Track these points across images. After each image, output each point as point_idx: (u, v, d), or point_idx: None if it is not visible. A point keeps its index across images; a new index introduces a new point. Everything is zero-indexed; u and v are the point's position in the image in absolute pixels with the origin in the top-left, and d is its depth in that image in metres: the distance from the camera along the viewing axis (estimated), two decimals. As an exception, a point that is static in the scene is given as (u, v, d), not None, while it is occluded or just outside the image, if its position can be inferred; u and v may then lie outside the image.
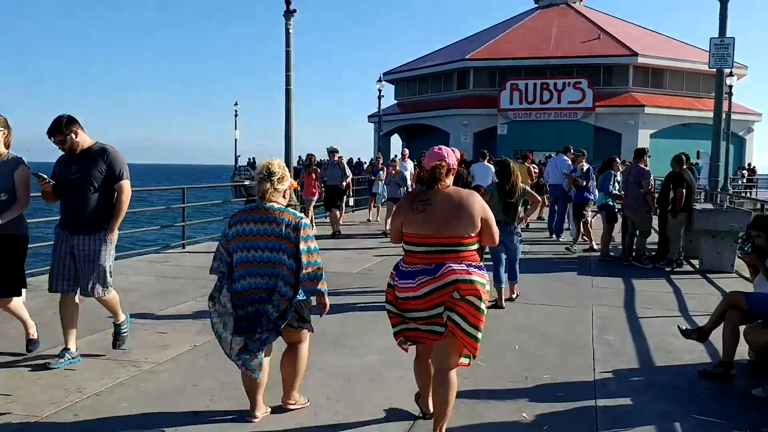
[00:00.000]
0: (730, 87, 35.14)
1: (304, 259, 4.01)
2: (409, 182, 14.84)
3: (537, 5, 53.21)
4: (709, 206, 12.08)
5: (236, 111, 55.19)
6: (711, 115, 41.71)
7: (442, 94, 47.74)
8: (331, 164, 14.89)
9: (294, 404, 4.40)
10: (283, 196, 4.17)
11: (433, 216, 3.84)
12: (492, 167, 12.47)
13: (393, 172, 14.92)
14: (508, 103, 42.53)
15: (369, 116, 51.06)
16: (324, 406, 4.55)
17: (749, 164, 41.85)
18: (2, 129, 5.24)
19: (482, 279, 3.83)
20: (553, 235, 15.00)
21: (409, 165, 16.05)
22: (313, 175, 14.62)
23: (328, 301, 4.21)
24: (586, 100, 41.40)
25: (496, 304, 7.72)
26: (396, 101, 53.14)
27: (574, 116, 41.79)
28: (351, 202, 17.68)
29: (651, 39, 48.50)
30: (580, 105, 41.59)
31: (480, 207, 3.92)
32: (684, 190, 10.66)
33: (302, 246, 4.01)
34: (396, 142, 54.83)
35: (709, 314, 7.68)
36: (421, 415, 4.38)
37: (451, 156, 4.05)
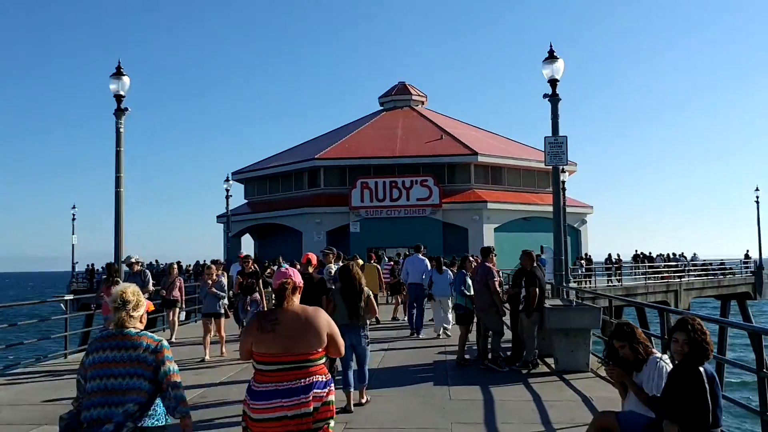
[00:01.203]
0: (563, 182, 37.41)
1: (165, 381, 3.97)
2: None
3: (382, 107, 55.10)
4: (558, 302, 11.97)
5: (74, 215, 51.58)
6: (548, 209, 44.35)
7: (293, 193, 47.32)
8: (131, 275, 12.80)
9: None
10: (140, 321, 4.17)
11: (281, 335, 4.07)
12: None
13: (209, 281, 12.72)
14: (359, 201, 42.75)
15: (218, 216, 49.42)
16: None
17: (586, 254, 44.33)
18: None
19: (329, 398, 4.17)
20: (414, 333, 15.03)
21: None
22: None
23: (190, 421, 4.05)
24: (433, 197, 42.49)
25: (344, 408, 7.61)
26: (246, 201, 52.04)
27: (422, 213, 42.66)
28: (183, 316, 15.58)
29: (489, 139, 51.40)
30: (428, 202, 42.58)
31: (326, 323, 4.23)
32: (537, 289, 10.43)
33: (162, 368, 3.97)
34: (247, 243, 53.32)
35: (572, 425, 7.20)
36: None
37: (296, 276, 4.38)
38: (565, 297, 14.04)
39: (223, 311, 12.80)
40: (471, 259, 12.35)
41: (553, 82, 15.57)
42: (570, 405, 8.12)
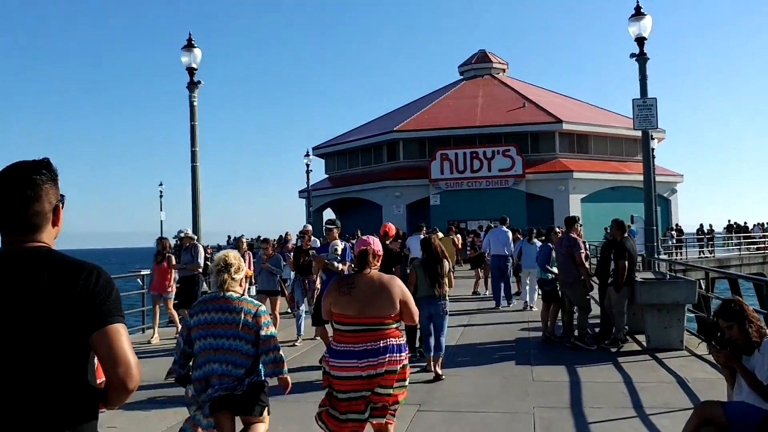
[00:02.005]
0: (652, 150, 35.59)
1: (264, 344, 4.28)
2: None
3: (462, 77, 53.94)
4: (650, 275, 11.16)
5: (161, 192, 53.23)
6: (636, 178, 42.52)
7: (373, 167, 47.12)
8: (184, 250, 11.61)
9: None
10: (240, 285, 4.48)
11: (356, 298, 4.32)
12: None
13: (264, 257, 11.65)
14: (438, 173, 42.09)
15: (300, 191, 49.92)
16: None
17: (676, 225, 42.25)
18: None
19: (404, 361, 4.34)
20: (500, 305, 14.85)
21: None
22: (165, 264, 11.57)
23: (288, 378, 4.40)
24: (516, 167, 41.32)
25: (425, 370, 8.24)
26: (327, 175, 52.30)
27: (505, 184, 41.61)
28: (253, 291, 13.91)
29: (574, 106, 49.53)
30: (511, 172, 41.43)
31: (399, 290, 4.42)
32: (627, 262, 9.69)
33: (262, 332, 4.28)
34: (329, 217, 53.64)
35: (667, 410, 6.57)
36: None
37: (376, 243, 4.65)
38: (657, 269, 13.15)
39: (279, 289, 12.18)
40: (557, 230, 11.66)
41: (640, 40, 14.51)
42: (664, 387, 7.46)
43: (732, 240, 38.47)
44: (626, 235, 10.22)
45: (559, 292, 10.90)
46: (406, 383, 4.45)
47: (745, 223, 42.82)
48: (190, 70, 14.73)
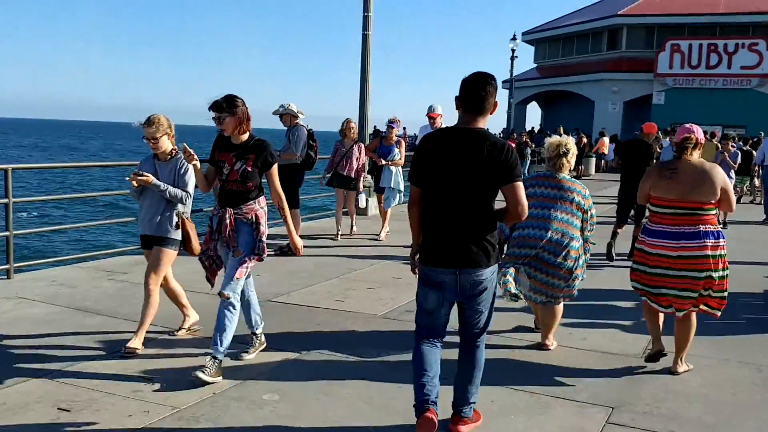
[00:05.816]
0: None
1: (587, 223, 4.89)
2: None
3: (708, -45, 45.76)
4: None
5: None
6: None
7: (589, 57, 41.99)
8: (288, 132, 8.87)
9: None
10: (569, 170, 4.91)
11: (678, 183, 4.46)
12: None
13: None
14: (667, 68, 36.36)
15: (503, 81, 46.26)
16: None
17: None
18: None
19: (721, 251, 4.45)
20: None
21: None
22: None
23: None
24: (763, 65, 34.55)
25: None
26: (535, 65, 47.91)
27: (746, 84, 35.10)
28: (362, 202, 10.58)
29: None
30: (755, 71, 34.78)
31: (721, 178, 4.47)
32: None
33: (589, 213, 4.88)
34: (533, 111, 49.82)
35: None
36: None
37: (699, 132, 4.67)
38: None
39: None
40: None
41: None
42: None
43: None
44: None
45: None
46: (727, 272, 4.51)
47: None
48: None
